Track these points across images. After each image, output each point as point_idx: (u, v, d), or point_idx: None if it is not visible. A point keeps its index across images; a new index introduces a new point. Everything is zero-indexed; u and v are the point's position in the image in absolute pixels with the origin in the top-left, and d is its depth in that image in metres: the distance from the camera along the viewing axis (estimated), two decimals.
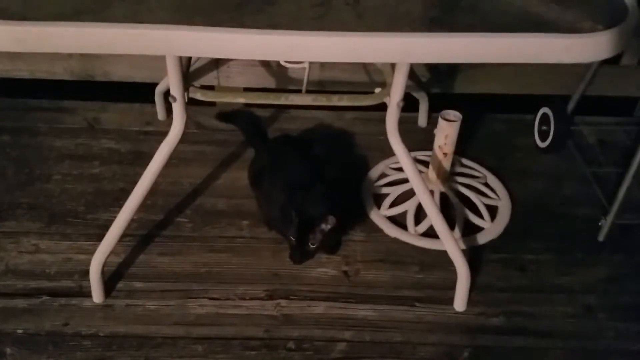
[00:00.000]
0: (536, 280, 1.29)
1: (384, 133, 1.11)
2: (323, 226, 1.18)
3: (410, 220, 1.37)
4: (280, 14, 0.85)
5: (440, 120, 1.34)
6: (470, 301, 1.22)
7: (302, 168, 1.33)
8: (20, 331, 1.15)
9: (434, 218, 1.17)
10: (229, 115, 1.58)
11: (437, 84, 1.73)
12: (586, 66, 1.56)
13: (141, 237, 1.33)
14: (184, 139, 1.09)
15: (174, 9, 0.86)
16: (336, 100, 1.12)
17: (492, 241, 1.36)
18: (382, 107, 1.11)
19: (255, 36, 0.82)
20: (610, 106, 1.75)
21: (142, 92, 1.67)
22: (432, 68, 1.71)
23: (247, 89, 1.71)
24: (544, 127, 1.61)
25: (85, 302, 1.20)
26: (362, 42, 0.82)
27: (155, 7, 0.85)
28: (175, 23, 0.82)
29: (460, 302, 1.22)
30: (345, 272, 1.29)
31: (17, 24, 0.81)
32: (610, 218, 1.34)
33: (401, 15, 0.87)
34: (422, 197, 1.16)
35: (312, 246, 1.19)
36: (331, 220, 1.17)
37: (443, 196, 1.41)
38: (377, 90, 1.12)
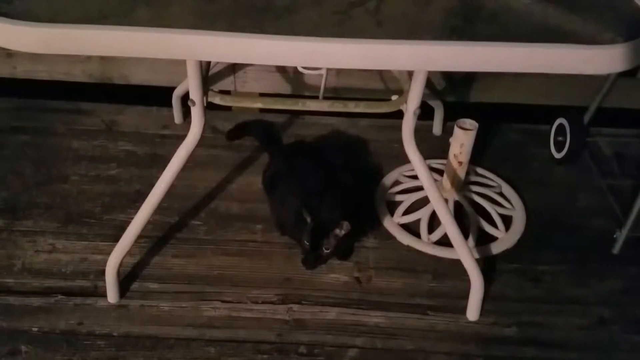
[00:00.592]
0: (550, 291, 1.28)
1: (398, 140, 1.11)
2: (337, 231, 1.18)
3: (423, 228, 1.37)
4: (301, 21, 0.86)
5: (456, 128, 1.34)
6: (483, 311, 1.22)
7: (317, 174, 1.33)
8: (35, 329, 1.16)
9: (448, 226, 1.17)
10: (239, 128, 1.59)
11: (452, 93, 1.74)
12: (603, 78, 1.55)
13: (156, 239, 1.34)
14: (199, 142, 1.10)
15: (196, 14, 0.87)
16: (353, 107, 1.13)
17: (506, 251, 1.36)
18: (397, 114, 1.11)
19: (275, 42, 0.82)
20: (626, 118, 1.74)
21: (159, 95, 1.68)
22: (448, 77, 1.71)
23: (262, 95, 1.72)
24: (560, 138, 1.61)
25: (100, 302, 1.21)
26: (381, 50, 0.82)
27: (179, 12, 0.87)
28: (197, 28, 0.83)
29: (473, 311, 1.22)
30: (357, 279, 1.29)
31: (43, 26, 0.82)
32: (625, 230, 1.34)
33: (421, 23, 0.88)
34: (437, 205, 1.16)
35: (325, 251, 1.19)
36: (346, 226, 1.17)
37: (457, 205, 1.41)
38: (394, 97, 1.12)
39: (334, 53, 0.84)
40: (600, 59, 0.84)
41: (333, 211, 1.21)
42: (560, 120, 1.62)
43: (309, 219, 1.17)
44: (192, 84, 1.03)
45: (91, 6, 0.86)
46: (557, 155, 1.62)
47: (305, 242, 1.19)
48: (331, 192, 1.27)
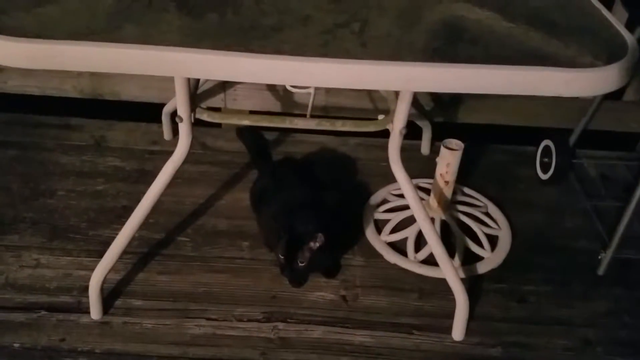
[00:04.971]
0: (535, 312, 1.28)
1: (386, 159, 1.12)
2: (312, 244, 1.18)
3: (410, 246, 1.38)
4: (287, 40, 0.87)
5: (442, 148, 1.35)
6: (469, 331, 1.22)
7: (302, 191, 1.33)
8: (16, 345, 1.15)
9: (434, 245, 1.18)
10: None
11: (440, 113, 1.75)
12: (589, 100, 1.57)
13: (142, 255, 1.34)
14: (188, 159, 1.10)
15: (184, 32, 0.88)
16: (340, 126, 1.14)
17: (491, 271, 1.36)
18: (386, 133, 1.12)
19: (261, 61, 0.83)
20: (612, 141, 1.76)
21: (149, 111, 1.69)
22: (436, 97, 1.73)
23: (252, 112, 1.73)
24: (546, 159, 1.62)
25: (83, 318, 1.20)
26: (365, 70, 0.83)
27: (166, 30, 0.88)
28: (184, 46, 0.84)
29: (458, 331, 1.21)
30: (343, 297, 1.29)
31: (30, 42, 0.83)
32: (610, 252, 1.34)
33: (404, 45, 0.89)
34: (423, 224, 1.16)
35: (300, 264, 1.19)
36: (319, 238, 1.17)
37: (444, 224, 1.42)
38: (381, 117, 1.14)
39: (318, 72, 0.85)
40: (579, 82, 0.86)
41: (308, 224, 1.20)
42: (546, 142, 1.64)
43: (283, 232, 1.17)
44: (179, 101, 1.04)
45: (79, 23, 0.87)
46: (543, 177, 1.63)
47: (280, 255, 1.18)
48: (308, 207, 1.26)
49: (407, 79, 0.84)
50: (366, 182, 1.58)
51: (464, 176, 1.50)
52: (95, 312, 1.20)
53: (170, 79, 1.01)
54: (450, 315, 1.21)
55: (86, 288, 1.19)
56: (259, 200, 1.38)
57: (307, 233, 1.18)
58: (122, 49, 0.83)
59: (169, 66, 0.85)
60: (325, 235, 1.17)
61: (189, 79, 1.03)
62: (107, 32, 0.85)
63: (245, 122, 1.18)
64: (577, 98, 1.67)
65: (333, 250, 1.28)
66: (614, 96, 1.50)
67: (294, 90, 1.06)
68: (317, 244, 1.17)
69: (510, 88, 0.85)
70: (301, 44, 0.86)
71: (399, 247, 1.39)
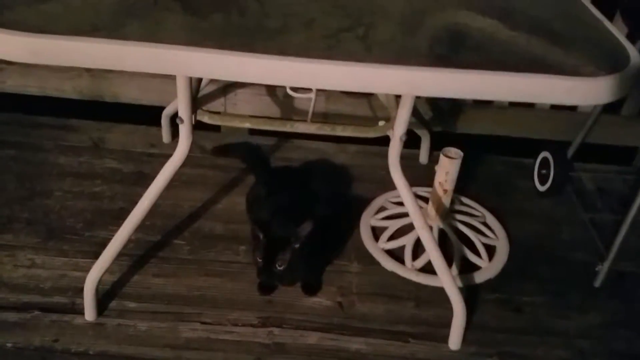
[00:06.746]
0: (531, 323, 1.28)
1: (385, 167, 1.12)
2: (295, 245, 1.15)
3: (408, 254, 1.37)
4: (291, 42, 0.87)
5: (441, 157, 1.35)
6: (465, 340, 1.21)
7: (291, 198, 1.31)
8: (9, 345, 1.13)
9: (432, 254, 1.17)
10: (227, 148, 1.59)
11: (439, 123, 1.76)
12: (587, 114, 1.58)
13: (137, 257, 1.33)
14: (186, 162, 1.10)
15: (188, 31, 0.88)
16: (340, 131, 1.14)
17: (489, 281, 1.36)
18: (385, 141, 1.12)
19: (265, 61, 0.83)
20: (609, 154, 1.77)
21: (148, 114, 1.69)
22: (435, 107, 1.74)
23: (251, 116, 1.73)
24: (544, 171, 1.63)
25: (77, 319, 1.19)
26: (369, 73, 0.83)
27: (171, 28, 0.88)
28: (188, 45, 0.84)
29: (455, 340, 1.21)
30: (339, 303, 1.28)
31: (33, 36, 0.82)
32: (607, 264, 1.34)
33: (408, 50, 0.89)
34: (421, 232, 1.16)
35: (279, 268, 1.16)
36: (305, 228, 1.14)
37: (441, 233, 1.42)
38: (381, 123, 1.14)
39: (322, 74, 0.85)
40: (581, 91, 0.86)
41: (288, 229, 1.17)
42: (545, 154, 1.64)
43: (261, 236, 1.16)
44: (181, 102, 1.04)
45: (83, 19, 0.87)
46: (541, 188, 1.63)
47: (258, 259, 1.16)
48: (292, 213, 1.24)
49: (411, 83, 0.84)
50: (364, 189, 1.58)
51: (462, 186, 1.50)
52: (89, 314, 1.19)
53: (171, 82, 1.01)
54: (447, 324, 1.21)
55: (81, 289, 1.18)
56: (252, 206, 1.37)
57: (286, 235, 1.15)
58: (125, 46, 0.83)
59: (172, 64, 0.85)
60: (307, 233, 1.14)
61: (191, 80, 1.03)
62: (110, 29, 0.85)
63: (247, 124, 1.18)
64: (575, 110, 1.68)
65: (313, 260, 1.25)
66: (612, 110, 1.52)
67: (294, 94, 1.06)
68: (297, 244, 1.15)
69: (512, 94, 0.86)
70: (306, 47, 0.86)
71: (396, 255, 1.39)
